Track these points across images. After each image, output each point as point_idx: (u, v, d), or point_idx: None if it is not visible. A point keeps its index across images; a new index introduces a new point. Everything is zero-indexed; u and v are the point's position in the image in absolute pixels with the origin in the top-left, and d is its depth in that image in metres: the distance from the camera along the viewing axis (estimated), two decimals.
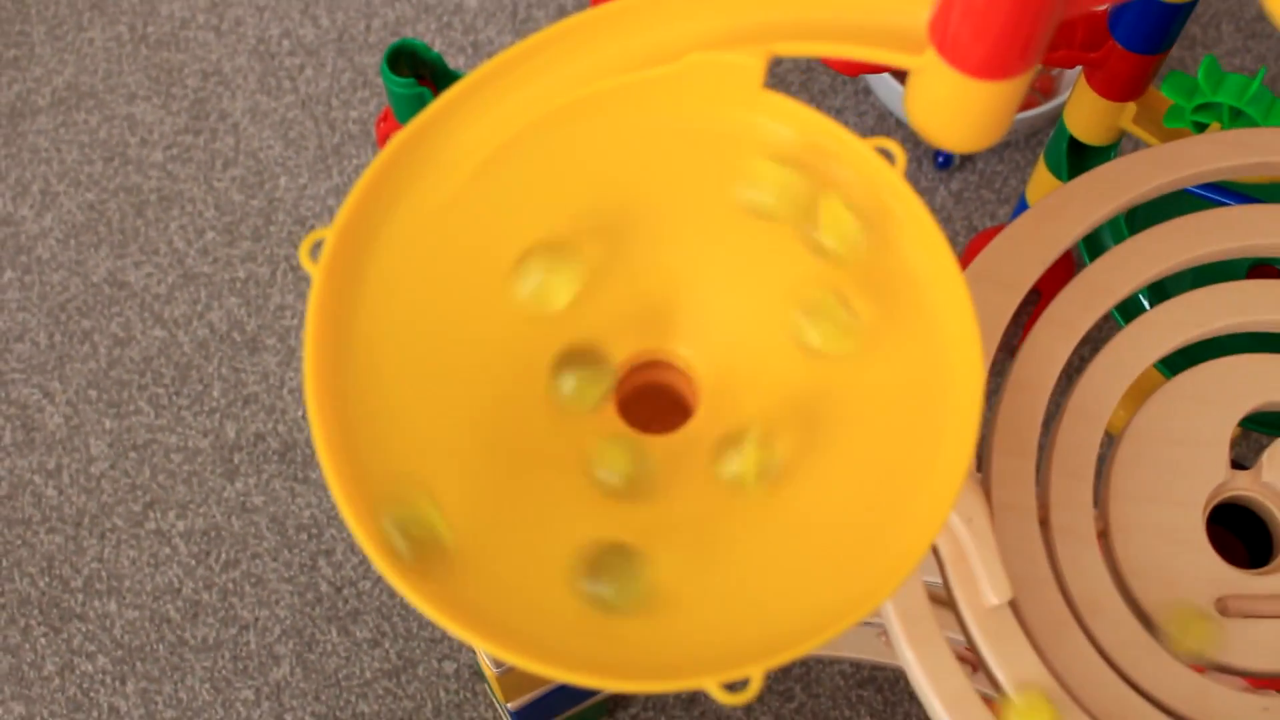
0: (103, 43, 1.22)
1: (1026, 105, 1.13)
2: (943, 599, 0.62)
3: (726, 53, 0.52)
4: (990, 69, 0.48)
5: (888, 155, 0.53)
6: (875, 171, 0.52)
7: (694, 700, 1.04)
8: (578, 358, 0.52)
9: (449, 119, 0.53)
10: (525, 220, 0.53)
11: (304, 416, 1.10)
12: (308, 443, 1.09)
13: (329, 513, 1.07)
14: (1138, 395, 0.68)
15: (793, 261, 0.54)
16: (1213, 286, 0.68)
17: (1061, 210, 0.66)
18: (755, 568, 0.51)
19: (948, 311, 0.52)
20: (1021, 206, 1.05)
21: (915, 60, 0.51)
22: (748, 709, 1.04)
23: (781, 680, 1.05)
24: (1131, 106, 0.85)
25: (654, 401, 0.55)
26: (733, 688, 0.47)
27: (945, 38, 0.49)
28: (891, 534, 0.51)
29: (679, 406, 0.56)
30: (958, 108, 0.50)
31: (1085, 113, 0.87)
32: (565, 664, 0.47)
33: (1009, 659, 0.59)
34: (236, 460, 1.09)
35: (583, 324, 0.53)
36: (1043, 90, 1.15)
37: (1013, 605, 0.60)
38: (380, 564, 0.47)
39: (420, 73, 0.84)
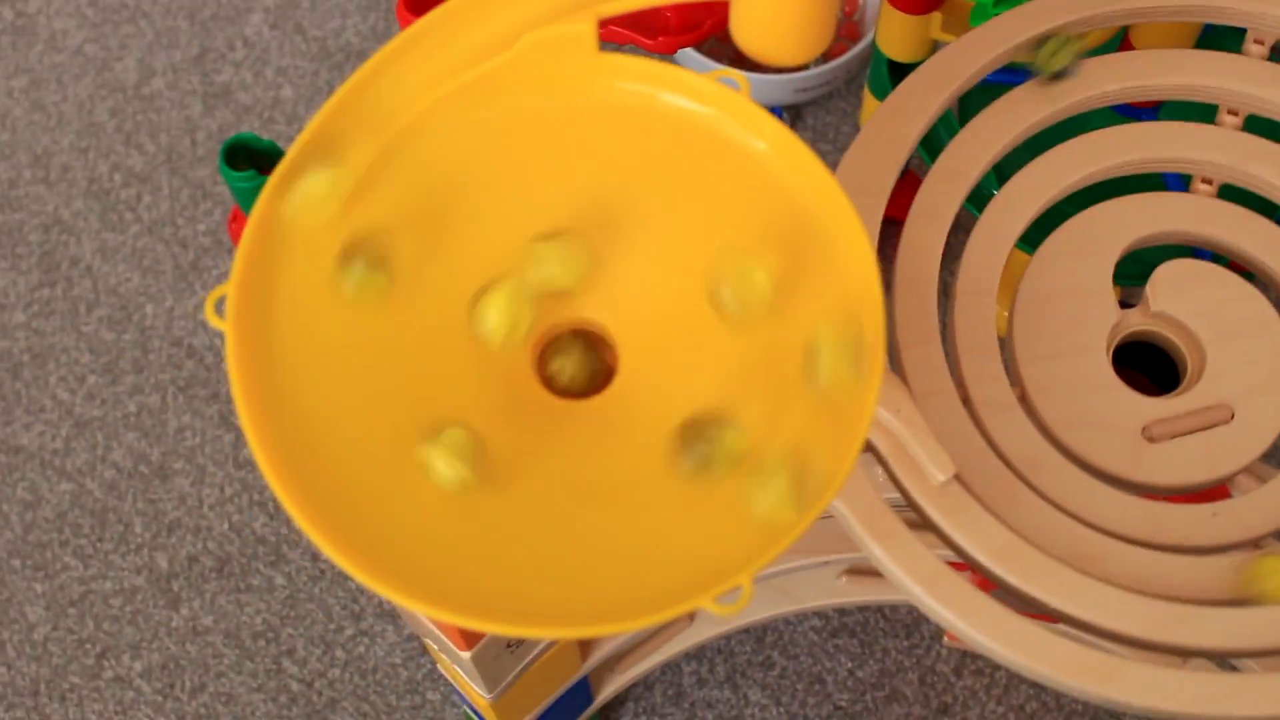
0: None
1: (837, 53, 1.17)
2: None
3: (557, 26, 0.55)
4: None
5: (733, 84, 0.55)
6: (725, 101, 0.55)
7: (680, 694, 1.05)
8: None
9: (309, 157, 0.55)
10: (414, 221, 0.55)
11: (231, 528, 1.10)
12: (242, 552, 1.09)
13: (280, 614, 1.07)
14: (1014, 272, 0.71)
15: (692, 221, 0.56)
16: (1055, 149, 0.72)
17: (902, 110, 0.69)
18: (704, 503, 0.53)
19: (834, 224, 0.55)
20: None
21: None
22: (734, 686, 1.05)
23: (759, 651, 1.07)
24: (937, 16, 0.89)
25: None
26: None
27: None
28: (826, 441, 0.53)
29: (602, 371, 0.57)
30: (778, 18, 0.53)
31: (895, 33, 0.91)
32: (549, 621, 0.48)
33: (969, 527, 0.61)
34: (176, 588, 1.09)
35: None
36: (849, 37, 1.19)
37: (958, 481, 0.63)
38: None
39: (259, 164, 0.85)
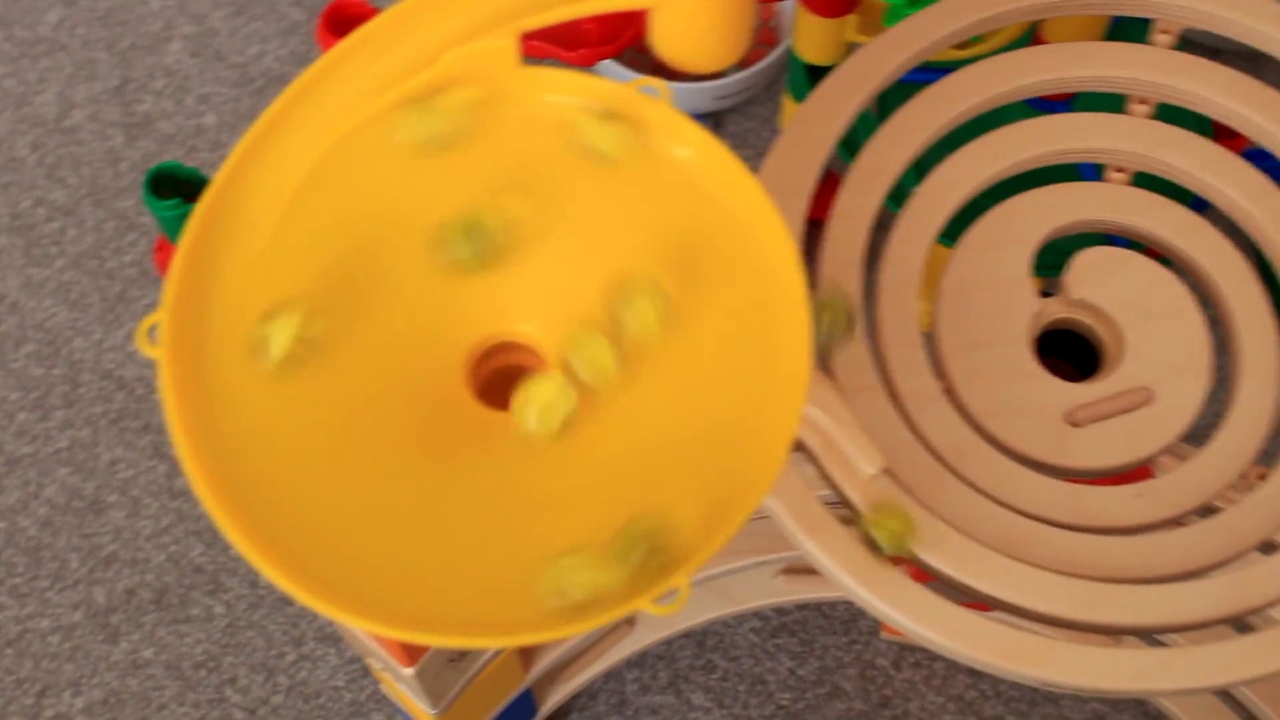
0: None
1: (754, 59, 1.19)
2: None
3: (479, 41, 0.56)
4: None
5: (653, 93, 0.56)
6: (647, 109, 0.56)
7: (623, 702, 1.06)
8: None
9: (242, 175, 0.55)
10: (344, 238, 0.55)
11: (168, 559, 1.10)
12: (180, 582, 1.09)
13: (220, 643, 1.07)
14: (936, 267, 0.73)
15: (620, 230, 0.57)
16: (970, 144, 0.73)
17: (820, 112, 0.70)
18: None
19: (758, 227, 0.56)
20: None
21: None
22: (677, 691, 1.06)
23: (700, 655, 1.07)
24: (852, 19, 0.91)
25: (510, 385, 0.58)
26: None
27: None
28: (755, 438, 0.54)
29: None
30: (697, 27, 0.55)
31: (811, 37, 0.92)
32: (492, 630, 0.49)
33: None
34: (115, 621, 1.08)
35: (420, 319, 0.56)
36: (766, 42, 1.21)
37: (888, 473, 0.64)
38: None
39: (184, 192, 0.85)
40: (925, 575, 0.64)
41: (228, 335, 0.54)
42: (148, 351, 0.53)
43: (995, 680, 1.08)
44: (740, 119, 1.23)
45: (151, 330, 0.53)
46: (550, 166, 0.57)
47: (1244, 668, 0.61)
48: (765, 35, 1.21)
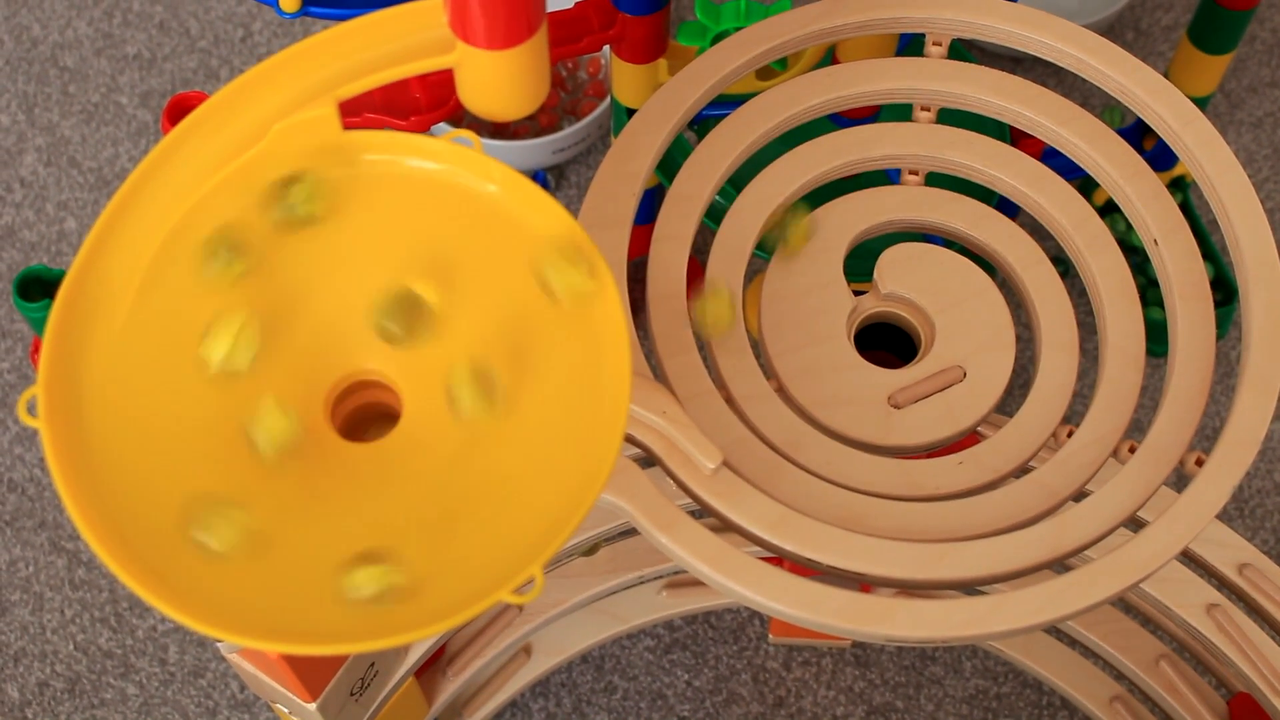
0: None
1: (586, 111, 1.25)
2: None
3: (301, 113, 0.61)
4: (506, 38, 0.59)
5: (466, 143, 0.62)
6: (458, 157, 0.62)
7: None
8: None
9: (99, 256, 0.60)
10: (202, 305, 0.61)
11: (76, 648, 1.13)
12: (90, 669, 1.12)
13: None
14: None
15: (448, 264, 0.63)
16: (775, 162, 0.80)
17: (631, 148, 0.76)
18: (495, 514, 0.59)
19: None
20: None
21: (452, 57, 0.61)
22: (582, 714, 1.11)
23: (599, 678, 1.12)
24: (662, 62, 0.97)
25: (371, 421, 0.63)
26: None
27: (465, 29, 0.59)
28: (591, 440, 0.60)
29: (394, 418, 0.63)
30: (497, 79, 0.60)
31: (628, 83, 0.98)
32: (364, 635, 0.54)
33: (742, 506, 0.68)
34: (31, 715, 1.11)
35: (275, 372, 0.61)
36: (597, 94, 1.27)
37: (729, 467, 0.70)
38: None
39: (52, 293, 0.89)
40: (777, 559, 0.69)
41: (101, 398, 0.58)
42: (28, 421, 0.57)
43: (881, 669, 1.14)
44: (582, 169, 1.29)
45: (31, 404, 0.58)
46: (384, 223, 0.63)
47: (1063, 604, 0.67)
48: (595, 88, 1.28)
